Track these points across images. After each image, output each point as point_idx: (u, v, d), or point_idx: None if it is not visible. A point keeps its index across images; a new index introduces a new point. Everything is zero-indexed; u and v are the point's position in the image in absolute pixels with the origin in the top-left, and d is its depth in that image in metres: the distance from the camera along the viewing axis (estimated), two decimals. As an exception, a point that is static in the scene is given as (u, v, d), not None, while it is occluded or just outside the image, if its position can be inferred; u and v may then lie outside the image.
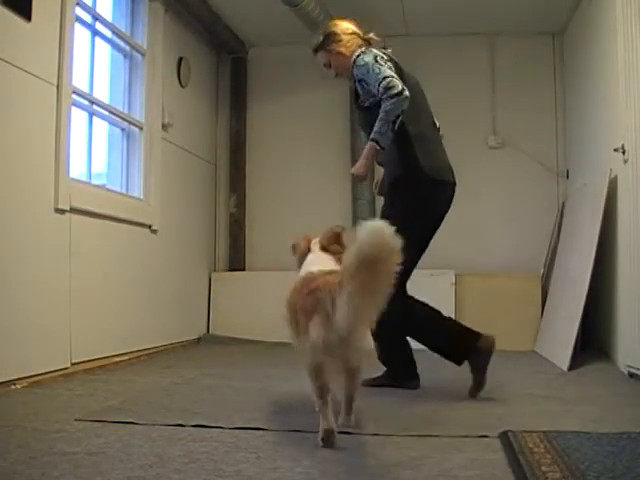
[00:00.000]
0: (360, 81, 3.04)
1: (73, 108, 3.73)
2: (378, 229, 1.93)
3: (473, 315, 5.24)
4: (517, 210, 5.63)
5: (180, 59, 5.21)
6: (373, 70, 2.95)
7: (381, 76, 2.91)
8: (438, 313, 3.14)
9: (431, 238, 3.16)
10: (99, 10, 4.24)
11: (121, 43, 4.57)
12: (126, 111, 4.59)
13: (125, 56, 4.65)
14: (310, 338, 2.14)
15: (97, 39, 4.27)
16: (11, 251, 3.16)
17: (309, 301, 2.22)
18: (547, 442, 2.02)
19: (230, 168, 6.02)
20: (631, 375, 3.55)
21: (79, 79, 3.85)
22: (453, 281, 5.24)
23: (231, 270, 5.90)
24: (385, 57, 3.04)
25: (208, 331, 5.66)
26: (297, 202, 5.92)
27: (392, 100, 2.87)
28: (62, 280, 3.57)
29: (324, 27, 3.30)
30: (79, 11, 3.87)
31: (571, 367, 3.83)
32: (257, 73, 6.10)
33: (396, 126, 2.90)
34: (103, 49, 4.46)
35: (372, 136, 2.92)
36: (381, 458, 1.95)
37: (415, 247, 2.97)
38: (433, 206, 3.11)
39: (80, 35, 3.90)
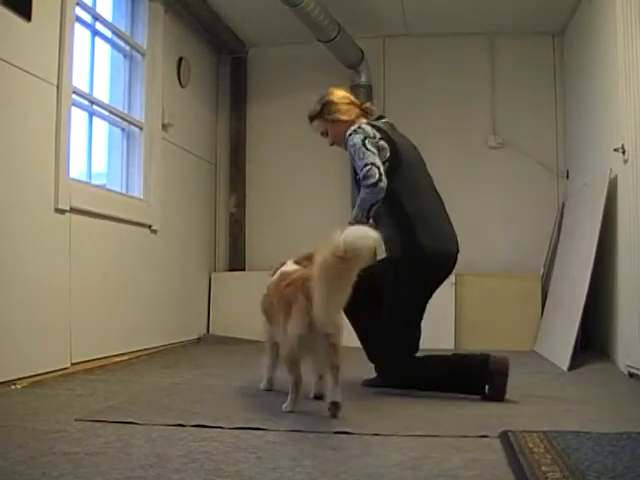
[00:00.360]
0: (353, 159, 3.07)
1: (73, 108, 3.73)
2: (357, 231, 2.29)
3: (473, 315, 5.26)
4: (517, 210, 5.63)
5: (180, 59, 5.21)
6: (359, 154, 2.97)
7: (363, 162, 2.94)
8: (439, 357, 3.10)
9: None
10: (99, 10, 4.24)
11: (121, 43, 4.57)
12: (126, 111, 4.59)
13: (125, 56, 4.65)
14: (288, 331, 2.48)
15: (97, 39, 4.27)
16: (11, 251, 3.16)
17: (286, 293, 2.54)
18: (547, 442, 2.02)
19: (230, 168, 6.02)
20: (631, 375, 3.55)
21: (79, 79, 3.85)
22: (453, 281, 5.24)
23: (231, 270, 5.90)
24: (377, 136, 3.03)
25: (208, 331, 5.66)
26: (297, 202, 5.92)
27: (367, 190, 2.92)
28: (62, 280, 3.57)
29: (320, 96, 3.29)
30: (79, 11, 3.87)
31: (571, 367, 3.83)
32: (257, 73, 6.10)
33: (372, 213, 2.96)
34: (103, 49, 4.46)
35: (350, 221, 2.98)
36: (381, 458, 1.95)
37: (413, 318, 3.06)
38: (436, 282, 3.14)
39: (80, 35, 3.90)
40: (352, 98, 3.29)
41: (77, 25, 3.78)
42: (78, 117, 3.95)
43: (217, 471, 1.80)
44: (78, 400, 2.85)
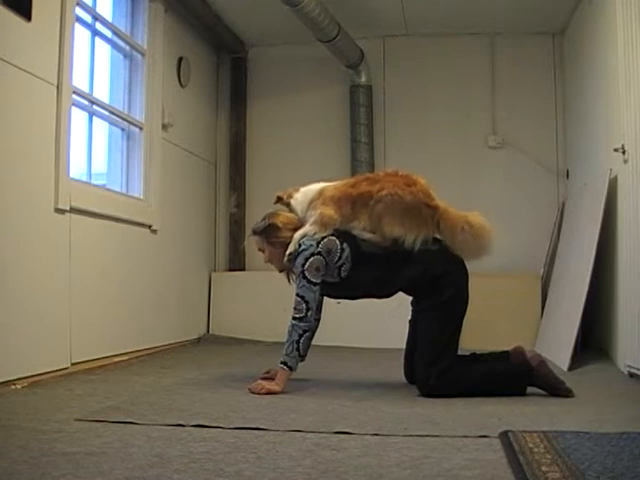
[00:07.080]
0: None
1: (73, 108, 3.73)
2: None
3: (473, 315, 5.23)
4: (517, 210, 5.62)
5: (180, 59, 5.21)
6: (298, 280, 3.07)
7: (296, 291, 3.06)
8: (481, 357, 3.27)
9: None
10: (99, 10, 4.24)
11: (121, 43, 4.57)
12: (126, 111, 4.59)
13: (125, 56, 4.65)
14: None
15: (97, 39, 4.27)
16: (11, 251, 3.16)
17: None
18: (547, 442, 2.02)
19: (230, 168, 6.02)
20: (631, 375, 3.55)
21: (79, 79, 3.85)
22: (453, 281, 5.23)
23: (231, 270, 5.90)
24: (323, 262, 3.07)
25: (208, 331, 5.66)
26: (297, 202, 5.91)
27: (294, 321, 3.03)
28: (62, 280, 3.57)
29: (267, 215, 3.35)
30: (79, 11, 3.87)
31: (571, 367, 3.83)
32: (257, 73, 6.10)
33: (301, 345, 3.00)
34: (103, 49, 4.46)
35: (281, 359, 3.02)
36: (381, 458, 1.95)
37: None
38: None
39: (80, 35, 3.90)
40: (296, 223, 3.27)
41: (77, 25, 3.78)
42: (78, 117, 3.95)
43: (217, 471, 1.79)
44: (78, 400, 2.85)
